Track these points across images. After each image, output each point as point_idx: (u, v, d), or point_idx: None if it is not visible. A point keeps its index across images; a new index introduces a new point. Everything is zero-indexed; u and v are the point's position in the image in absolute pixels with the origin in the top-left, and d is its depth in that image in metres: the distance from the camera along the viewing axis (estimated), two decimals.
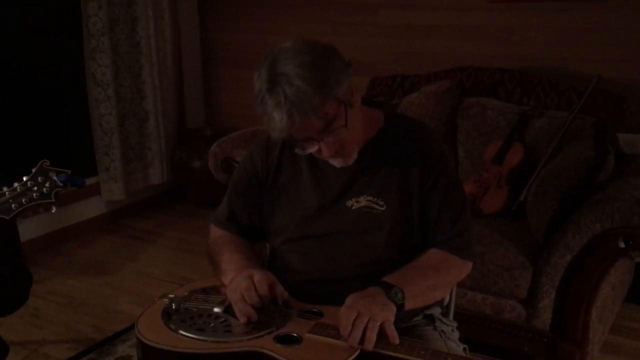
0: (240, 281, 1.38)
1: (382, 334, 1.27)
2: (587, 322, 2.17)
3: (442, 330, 1.55)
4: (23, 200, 1.31)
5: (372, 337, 1.25)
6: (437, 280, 1.45)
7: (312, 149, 1.38)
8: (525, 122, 2.80)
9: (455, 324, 1.62)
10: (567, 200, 2.24)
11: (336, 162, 1.44)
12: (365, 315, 1.27)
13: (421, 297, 1.42)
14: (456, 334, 1.60)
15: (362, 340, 1.25)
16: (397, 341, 1.26)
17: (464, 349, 1.55)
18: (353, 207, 1.47)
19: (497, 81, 3.04)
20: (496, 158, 2.75)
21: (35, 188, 1.32)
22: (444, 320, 1.59)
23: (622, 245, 2.02)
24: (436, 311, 1.59)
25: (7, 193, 1.31)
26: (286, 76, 1.28)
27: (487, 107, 2.93)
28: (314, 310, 1.40)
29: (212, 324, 1.36)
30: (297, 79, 1.27)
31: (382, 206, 1.45)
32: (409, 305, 1.37)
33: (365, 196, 1.47)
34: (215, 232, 1.64)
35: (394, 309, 1.32)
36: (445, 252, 1.46)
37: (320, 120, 1.31)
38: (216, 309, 1.40)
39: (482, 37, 3.31)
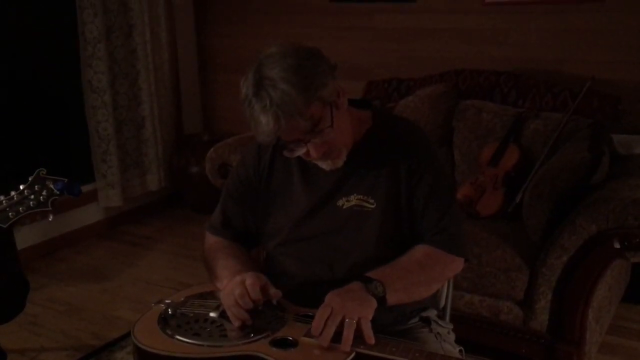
0: (233, 287, 1.38)
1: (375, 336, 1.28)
2: (584, 322, 2.17)
3: (438, 333, 1.55)
4: (20, 208, 1.32)
5: (347, 336, 1.24)
6: (421, 275, 1.44)
7: (300, 151, 1.39)
8: (520, 124, 2.81)
9: (451, 326, 1.63)
10: (562, 202, 2.25)
11: (325, 165, 1.45)
12: (339, 313, 1.26)
13: (404, 291, 1.40)
14: (452, 336, 1.60)
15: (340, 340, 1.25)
16: (372, 341, 1.26)
17: (460, 351, 1.56)
18: (344, 207, 1.48)
19: (492, 83, 3.05)
20: (492, 160, 2.75)
21: (32, 196, 1.33)
22: (440, 322, 1.59)
23: (617, 245, 2.03)
24: (432, 313, 1.60)
25: (4, 201, 1.32)
26: (271, 80, 1.30)
27: (483, 109, 2.94)
28: (310, 314, 1.39)
29: (208, 329, 1.36)
30: (282, 82, 1.29)
31: (372, 204, 1.46)
32: (391, 299, 1.36)
33: (355, 195, 1.48)
34: (210, 238, 1.65)
35: (373, 303, 1.31)
36: (431, 247, 1.45)
37: (306, 122, 1.32)
38: (212, 314, 1.40)
39: (477, 39, 3.32)
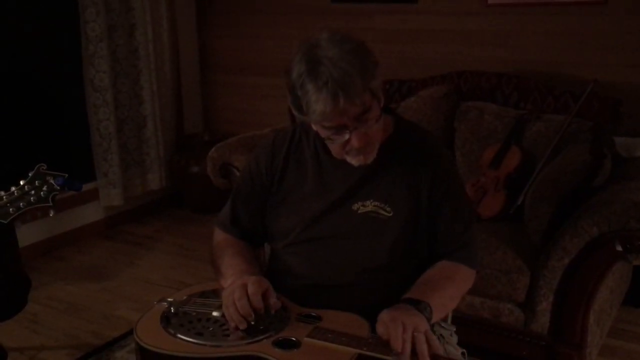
0: (234, 289, 1.37)
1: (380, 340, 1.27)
2: (585, 325, 2.17)
3: (441, 335, 1.55)
4: (21, 204, 1.31)
5: (424, 349, 1.22)
6: (453, 290, 1.45)
7: (341, 139, 1.37)
8: (522, 126, 2.81)
9: (453, 328, 1.62)
10: (564, 204, 2.24)
11: (355, 160, 1.42)
12: (410, 326, 1.24)
13: (441, 308, 1.41)
14: (455, 338, 1.60)
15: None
16: (441, 351, 1.24)
17: (463, 353, 1.55)
18: (359, 211, 1.47)
19: (494, 85, 3.05)
20: (493, 162, 2.75)
21: (33, 192, 1.32)
22: (442, 324, 1.59)
23: (619, 248, 2.02)
24: None
25: (4, 197, 1.32)
26: (330, 59, 1.29)
27: (484, 111, 2.94)
28: (313, 314, 1.40)
29: (211, 328, 1.35)
30: (343, 62, 1.28)
31: (389, 212, 1.45)
32: (433, 318, 1.35)
33: (372, 201, 1.46)
34: (219, 235, 1.64)
35: (424, 320, 1.30)
36: (456, 263, 1.47)
37: (358, 107, 1.31)
38: (215, 313, 1.40)
39: (479, 41, 3.32)
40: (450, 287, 1.44)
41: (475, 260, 1.51)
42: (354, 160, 1.43)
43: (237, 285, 1.37)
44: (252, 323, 1.33)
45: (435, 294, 1.39)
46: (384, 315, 1.29)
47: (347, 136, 1.36)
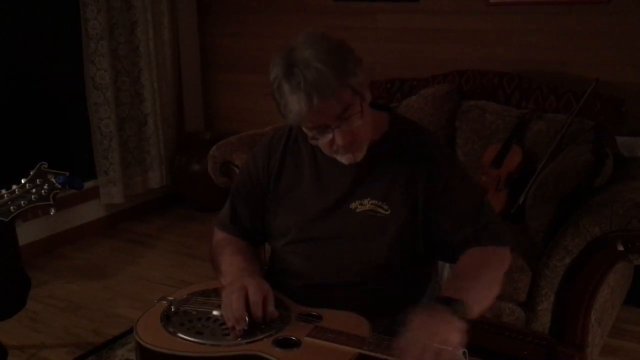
0: (233, 290, 1.36)
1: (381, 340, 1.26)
2: (586, 325, 2.16)
3: None
4: (21, 202, 1.31)
5: None
6: (490, 276, 1.37)
7: (325, 139, 1.36)
8: (523, 125, 2.80)
9: None
10: (565, 204, 2.24)
11: (345, 158, 1.42)
12: (431, 350, 1.17)
13: (482, 299, 1.32)
14: None
15: None
16: None
17: (464, 353, 1.54)
18: (357, 210, 1.46)
19: (495, 84, 3.05)
20: (495, 161, 2.75)
21: (34, 190, 1.32)
22: None
23: (620, 248, 2.02)
24: None
25: (5, 196, 1.31)
26: (304, 60, 1.29)
27: (486, 110, 2.94)
28: (313, 313, 1.39)
29: (211, 327, 1.35)
30: (316, 62, 1.28)
31: (386, 210, 1.45)
32: (476, 312, 1.28)
33: (369, 199, 1.46)
34: (218, 234, 1.64)
35: (460, 326, 1.22)
36: (483, 247, 1.41)
37: (337, 105, 1.31)
38: (215, 312, 1.39)
39: (481, 40, 3.32)
40: (486, 274, 1.37)
41: (503, 237, 1.44)
42: (343, 159, 1.42)
43: (236, 287, 1.36)
44: (246, 328, 1.32)
45: (471, 286, 1.32)
46: (413, 323, 1.20)
47: (330, 135, 1.35)
